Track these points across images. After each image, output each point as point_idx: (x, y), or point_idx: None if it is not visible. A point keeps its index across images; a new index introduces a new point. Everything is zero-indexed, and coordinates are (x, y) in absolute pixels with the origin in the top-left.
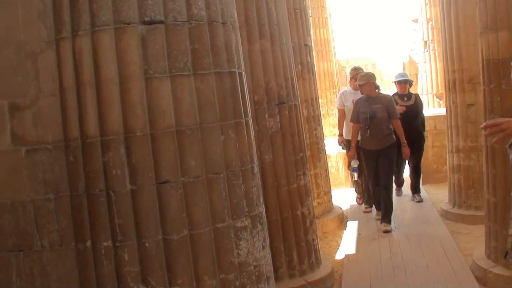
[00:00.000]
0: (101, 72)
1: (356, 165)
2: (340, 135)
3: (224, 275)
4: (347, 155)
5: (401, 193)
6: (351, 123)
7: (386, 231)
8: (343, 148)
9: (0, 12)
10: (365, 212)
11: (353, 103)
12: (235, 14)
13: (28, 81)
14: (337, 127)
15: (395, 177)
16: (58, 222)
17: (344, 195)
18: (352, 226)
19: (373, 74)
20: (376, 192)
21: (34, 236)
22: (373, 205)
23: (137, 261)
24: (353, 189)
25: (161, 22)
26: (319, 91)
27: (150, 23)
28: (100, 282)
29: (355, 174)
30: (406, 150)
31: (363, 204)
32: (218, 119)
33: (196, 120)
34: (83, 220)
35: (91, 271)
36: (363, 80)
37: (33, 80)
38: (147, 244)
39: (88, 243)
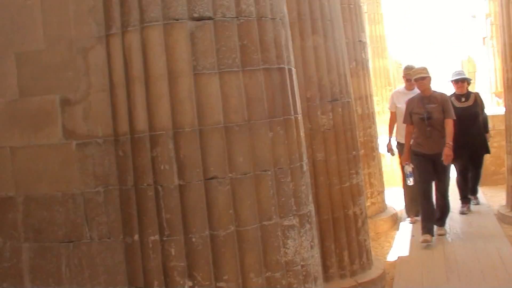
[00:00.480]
0: (150, 68)
1: (410, 170)
2: (389, 140)
3: (270, 273)
4: (400, 159)
5: (479, 201)
6: (403, 126)
7: (441, 235)
8: (392, 155)
9: (52, 8)
10: (411, 222)
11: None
12: (285, 10)
13: (79, 76)
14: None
15: (471, 185)
16: (107, 215)
17: (398, 195)
18: (405, 228)
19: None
20: (425, 200)
21: (83, 228)
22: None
23: (183, 256)
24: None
25: (210, 18)
26: (374, 89)
27: (199, 19)
28: (147, 275)
29: (411, 179)
30: (448, 153)
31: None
32: (267, 116)
33: (244, 117)
34: (131, 213)
35: (139, 264)
36: (423, 73)
37: (83, 75)
38: (193, 239)
39: (136, 236)
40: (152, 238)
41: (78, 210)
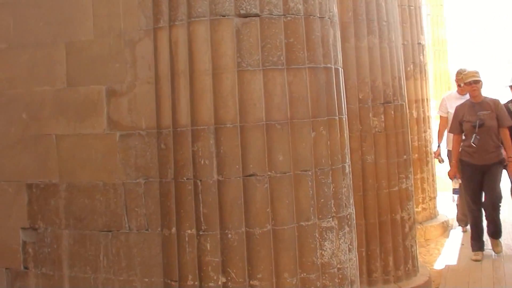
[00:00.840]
0: (195, 63)
1: (457, 186)
2: (438, 146)
3: (305, 274)
4: (448, 172)
5: None
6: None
7: (497, 252)
8: (440, 162)
9: (102, 0)
10: (463, 231)
11: None
12: (335, 9)
13: (125, 68)
14: None
15: None
16: (146, 206)
17: (451, 202)
18: (455, 236)
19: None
20: (473, 214)
21: (123, 218)
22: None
23: (219, 251)
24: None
25: (256, 15)
26: (433, 92)
27: (246, 16)
28: (182, 269)
29: (455, 197)
30: None
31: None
32: (310, 115)
33: (287, 115)
34: (170, 206)
35: (174, 257)
36: (476, 76)
37: (130, 67)
38: (229, 236)
39: (173, 229)
40: (189, 232)
41: (119, 200)
